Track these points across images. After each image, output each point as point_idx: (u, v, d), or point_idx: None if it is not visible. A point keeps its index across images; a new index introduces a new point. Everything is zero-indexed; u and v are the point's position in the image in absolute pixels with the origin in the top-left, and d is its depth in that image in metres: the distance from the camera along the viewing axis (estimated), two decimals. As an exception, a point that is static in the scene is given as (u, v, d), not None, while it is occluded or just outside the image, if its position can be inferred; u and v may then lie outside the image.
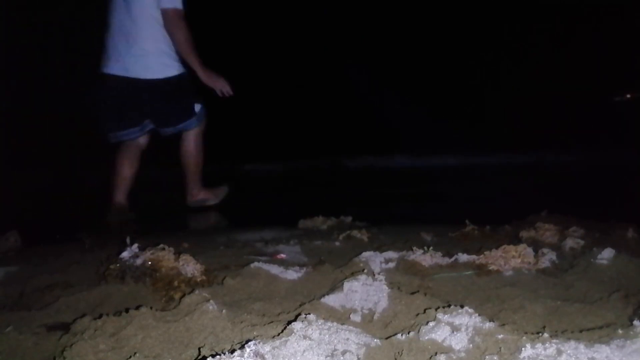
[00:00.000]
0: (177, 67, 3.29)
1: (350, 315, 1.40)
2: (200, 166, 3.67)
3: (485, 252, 1.89)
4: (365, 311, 1.42)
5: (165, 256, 1.78)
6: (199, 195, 3.77)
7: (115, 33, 3.15)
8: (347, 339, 1.11)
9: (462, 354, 1.08)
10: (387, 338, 1.18)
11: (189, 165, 3.63)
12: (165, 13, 3.05)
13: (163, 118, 3.40)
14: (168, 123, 3.43)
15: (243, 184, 6.50)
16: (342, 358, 1.04)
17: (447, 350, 1.09)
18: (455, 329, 1.14)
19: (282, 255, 2.26)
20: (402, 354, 1.11)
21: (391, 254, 1.99)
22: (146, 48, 3.15)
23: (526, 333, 1.14)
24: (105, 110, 3.31)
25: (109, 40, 3.18)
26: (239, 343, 1.17)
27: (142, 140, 3.51)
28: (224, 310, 1.32)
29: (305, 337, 1.09)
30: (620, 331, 1.13)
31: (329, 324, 1.16)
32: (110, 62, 3.19)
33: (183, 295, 1.50)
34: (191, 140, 3.55)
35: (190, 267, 1.77)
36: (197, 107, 3.49)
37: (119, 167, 3.41)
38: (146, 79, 3.19)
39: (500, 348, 1.07)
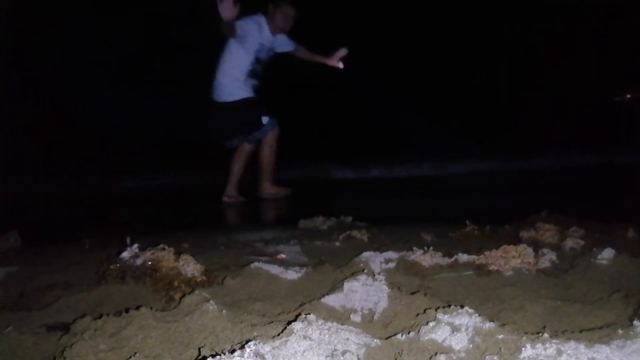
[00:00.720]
0: (242, 94, 4.21)
1: (350, 316, 1.40)
2: (272, 166, 4.41)
3: (485, 252, 1.89)
4: (365, 311, 1.42)
5: (165, 256, 1.78)
6: (267, 189, 4.48)
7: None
8: (347, 339, 1.11)
9: (462, 354, 1.08)
10: (387, 338, 1.18)
11: (262, 164, 4.40)
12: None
13: (235, 130, 4.33)
14: (241, 134, 4.34)
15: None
16: (342, 358, 1.04)
17: (447, 351, 1.09)
18: (455, 329, 1.14)
19: (282, 256, 2.26)
20: (402, 354, 1.11)
21: (391, 254, 1.99)
22: (219, 79, 4.24)
23: (526, 333, 1.14)
24: (214, 126, 4.44)
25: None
26: (239, 343, 1.17)
27: (247, 146, 4.42)
28: (224, 311, 1.32)
29: (305, 337, 1.09)
30: (620, 331, 1.13)
31: (329, 324, 1.16)
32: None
33: (183, 296, 1.50)
34: (265, 145, 4.35)
35: (191, 267, 1.77)
36: (265, 120, 4.30)
37: (232, 165, 4.40)
38: (217, 101, 4.28)
39: (500, 348, 1.07)
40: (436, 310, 1.28)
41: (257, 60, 4.22)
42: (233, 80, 4.16)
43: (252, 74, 4.24)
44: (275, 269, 1.82)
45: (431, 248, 2.00)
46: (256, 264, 1.85)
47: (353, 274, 1.65)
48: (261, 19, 4.18)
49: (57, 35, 8.20)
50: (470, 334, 1.12)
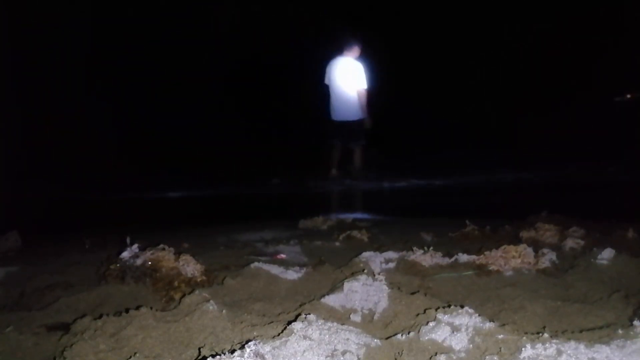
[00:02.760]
0: (361, 115, 5.96)
1: (351, 316, 1.40)
2: (361, 163, 6.15)
3: (485, 252, 1.89)
4: (366, 311, 1.42)
5: (165, 256, 1.78)
6: (357, 177, 6.14)
7: (337, 98, 5.96)
8: (347, 339, 1.11)
9: (462, 354, 1.08)
10: (387, 338, 1.18)
11: (355, 163, 6.12)
12: (359, 92, 5.89)
13: (350, 138, 6.09)
14: (351, 142, 6.09)
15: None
16: (342, 358, 1.04)
17: (447, 351, 1.09)
18: (455, 329, 1.15)
19: (282, 256, 2.26)
20: (402, 354, 1.11)
21: (391, 254, 2.00)
22: (348, 104, 5.89)
23: (526, 333, 1.14)
24: (333, 133, 6.07)
25: (334, 101, 6.00)
26: (239, 343, 1.17)
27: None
28: (224, 311, 1.32)
29: (305, 337, 1.09)
30: (620, 331, 1.13)
31: (329, 324, 1.16)
32: (336, 113, 6.01)
33: (183, 296, 1.50)
34: (359, 151, 6.12)
35: (191, 267, 1.77)
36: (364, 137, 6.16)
37: (333, 154, 6.11)
38: (350, 120, 5.96)
39: (500, 348, 1.07)
40: (436, 310, 1.28)
41: None
42: (355, 105, 5.92)
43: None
44: (275, 269, 1.82)
45: (431, 248, 2.00)
46: (256, 264, 1.85)
47: (353, 274, 1.65)
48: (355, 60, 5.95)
49: (64, 40, 8.21)
50: (470, 334, 1.12)
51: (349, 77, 5.88)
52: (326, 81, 6.01)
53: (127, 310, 1.33)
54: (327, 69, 6.00)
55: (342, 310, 1.44)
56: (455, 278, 1.77)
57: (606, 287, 1.62)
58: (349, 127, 6.01)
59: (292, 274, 1.81)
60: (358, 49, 5.88)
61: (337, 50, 5.93)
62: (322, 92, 6.12)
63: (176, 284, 1.69)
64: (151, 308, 1.36)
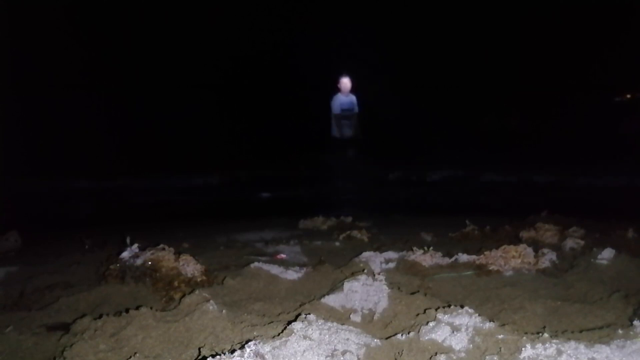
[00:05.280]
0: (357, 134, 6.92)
1: (351, 316, 1.40)
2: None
3: (485, 252, 1.89)
4: (366, 311, 1.42)
5: (165, 256, 1.78)
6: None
7: (342, 121, 6.70)
8: (347, 339, 1.11)
9: (462, 354, 1.08)
10: (387, 338, 1.18)
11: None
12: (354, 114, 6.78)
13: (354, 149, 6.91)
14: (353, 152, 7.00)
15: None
16: (342, 358, 1.04)
17: (447, 351, 1.09)
18: (455, 329, 1.15)
19: (282, 256, 2.26)
20: (402, 354, 1.11)
21: (391, 254, 2.00)
22: (346, 127, 6.68)
23: (526, 333, 1.14)
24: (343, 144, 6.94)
25: (341, 124, 6.73)
26: (239, 343, 1.17)
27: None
28: (224, 310, 1.32)
29: (305, 337, 1.09)
30: (620, 331, 1.13)
31: (329, 324, 1.16)
32: (342, 132, 6.70)
33: (183, 296, 1.50)
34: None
35: (191, 267, 1.77)
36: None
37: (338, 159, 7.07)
38: (348, 137, 6.73)
39: (500, 348, 1.07)
40: (436, 310, 1.28)
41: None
42: (352, 128, 6.82)
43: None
44: (275, 269, 1.82)
45: (431, 248, 2.01)
46: (256, 264, 1.85)
47: (353, 274, 1.65)
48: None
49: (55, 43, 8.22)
50: (470, 334, 1.12)
51: (345, 107, 7.05)
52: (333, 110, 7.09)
53: (127, 310, 1.33)
54: (333, 102, 7.09)
55: (342, 310, 1.44)
56: (455, 278, 1.77)
57: (606, 287, 1.62)
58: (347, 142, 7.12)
59: (292, 274, 1.81)
60: (348, 83, 6.88)
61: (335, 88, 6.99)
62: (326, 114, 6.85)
63: (176, 284, 1.68)
64: (151, 308, 1.36)
